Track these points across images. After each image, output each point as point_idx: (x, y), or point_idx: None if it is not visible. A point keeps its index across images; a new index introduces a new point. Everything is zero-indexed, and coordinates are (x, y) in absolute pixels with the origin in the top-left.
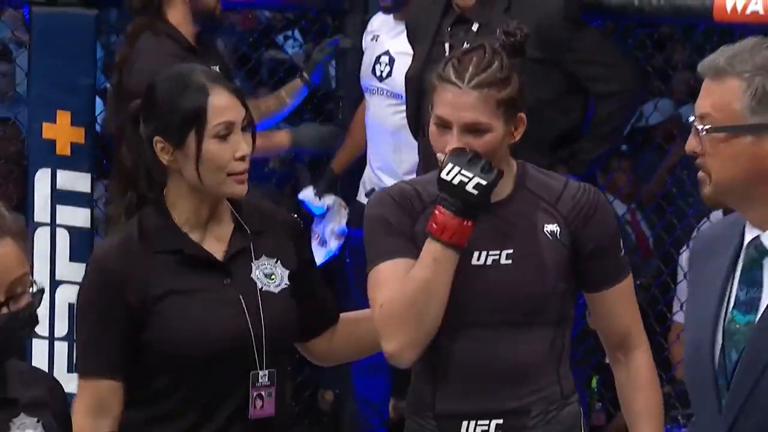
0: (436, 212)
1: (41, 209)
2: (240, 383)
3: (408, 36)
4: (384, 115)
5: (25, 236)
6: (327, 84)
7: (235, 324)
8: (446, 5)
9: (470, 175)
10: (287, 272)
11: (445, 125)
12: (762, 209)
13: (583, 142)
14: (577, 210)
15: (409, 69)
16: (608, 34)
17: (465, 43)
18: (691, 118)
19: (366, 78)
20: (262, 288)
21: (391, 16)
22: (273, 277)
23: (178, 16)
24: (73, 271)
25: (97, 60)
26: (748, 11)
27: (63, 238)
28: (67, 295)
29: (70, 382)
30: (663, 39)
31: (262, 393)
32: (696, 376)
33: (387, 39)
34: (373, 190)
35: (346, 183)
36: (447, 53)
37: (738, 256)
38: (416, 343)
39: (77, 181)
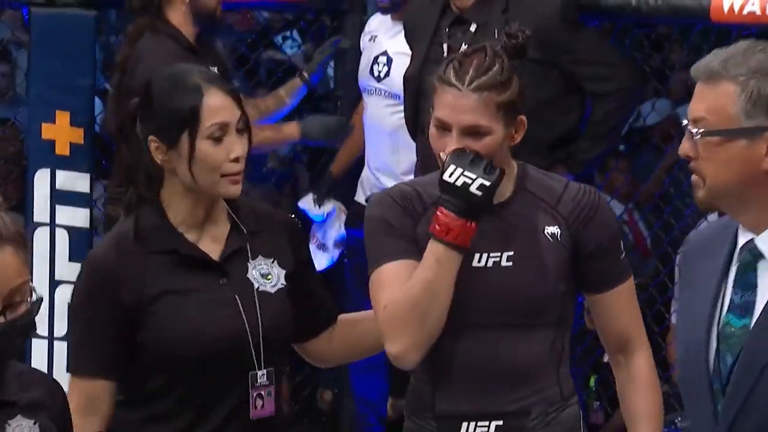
0: (439, 214)
1: (40, 209)
2: (236, 383)
3: (406, 36)
4: (382, 115)
5: (26, 243)
6: (325, 84)
7: (231, 324)
8: (444, 6)
9: (473, 176)
10: (284, 272)
11: (444, 127)
12: (756, 212)
13: (580, 142)
14: (578, 211)
15: (407, 69)
16: (605, 35)
17: (463, 44)
18: (684, 122)
19: (364, 78)
20: (258, 288)
21: (388, 17)
22: (269, 277)
23: (178, 17)
24: (72, 271)
25: (96, 60)
26: (745, 11)
27: (62, 238)
28: (66, 295)
29: None
30: (660, 39)
31: (262, 393)
32: (690, 379)
33: (385, 39)
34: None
35: (343, 183)
36: (445, 53)
37: (731, 260)
38: (420, 345)
39: (76, 181)
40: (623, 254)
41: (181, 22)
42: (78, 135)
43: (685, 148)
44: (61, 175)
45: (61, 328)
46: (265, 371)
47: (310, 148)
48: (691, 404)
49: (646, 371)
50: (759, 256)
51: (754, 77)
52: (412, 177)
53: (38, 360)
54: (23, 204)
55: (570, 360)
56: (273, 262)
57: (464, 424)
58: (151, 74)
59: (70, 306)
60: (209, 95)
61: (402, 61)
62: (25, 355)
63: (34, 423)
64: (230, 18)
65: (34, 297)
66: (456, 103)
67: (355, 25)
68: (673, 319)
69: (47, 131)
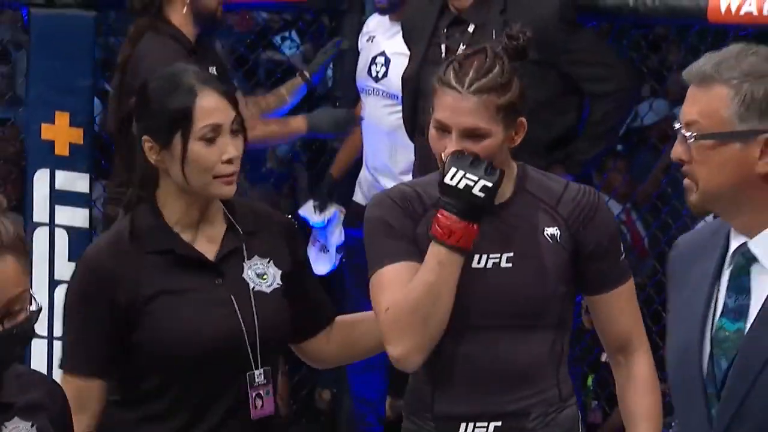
0: (440, 216)
1: (40, 209)
2: (232, 383)
3: (404, 37)
4: (380, 115)
5: (26, 249)
6: (324, 84)
7: (226, 324)
8: (442, 6)
9: (475, 178)
10: (280, 272)
11: (444, 129)
12: (749, 216)
13: (578, 143)
14: (578, 212)
15: (405, 70)
16: (603, 35)
17: (461, 44)
18: (677, 126)
19: (362, 79)
20: (254, 288)
21: (386, 17)
22: (265, 277)
23: (179, 18)
24: (71, 271)
25: (95, 61)
26: (742, 12)
27: (62, 238)
28: None
29: None
30: (658, 40)
31: (261, 392)
32: (683, 384)
33: (383, 40)
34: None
35: (342, 183)
36: (443, 54)
37: (722, 264)
38: (422, 347)
39: (76, 181)
40: (623, 255)
41: (181, 22)
42: (77, 135)
43: (677, 151)
44: (60, 175)
45: (60, 327)
46: (262, 370)
47: (309, 149)
48: (683, 408)
49: (646, 372)
50: (752, 259)
51: (747, 80)
52: (410, 177)
53: (38, 360)
54: (23, 204)
55: (568, 359)
56: (269, 262)
57: (463, 425)
58: (152, 74)
59: (64, 304)
60: (203, 96)
61: (400, 62)
62: (25, 354)
63: (32, 425)
64: (229, 19)
65: (34, 306)
66: (455, 106)
67: (353, 26)
68: None
69: (47, 132)
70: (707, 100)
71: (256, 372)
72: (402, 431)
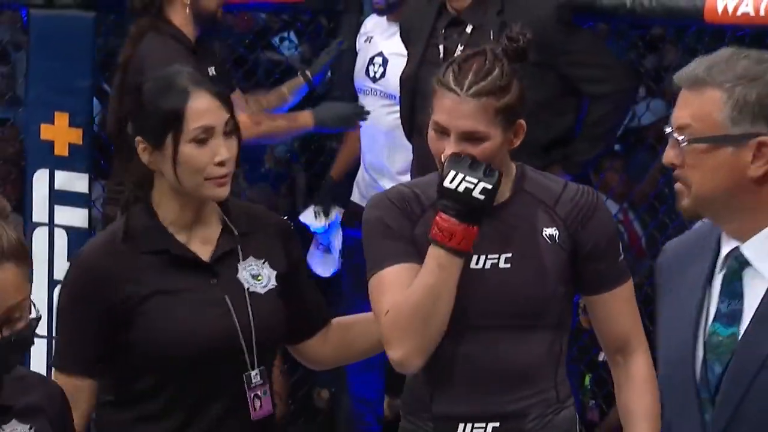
0: (439, 219)
1: (39, 209)
2: (227, 383)
3: (402, 37)
4: (378, 115)
5: (27, 255)
6: (322, 85)
7: (221, 324)
8: (440, 7)
9: (474, 180)
10: (275, 273)
11: (443, 131)
12: (741, 220)
13: (577, 144)
14: (576, 212)
15: (403, 70)
16: (601, 36)
17: (459, 45)
18: (668, 130)
19: (359, 79)
20: (248, 288)
21: (384, 18)
22: (260, 277)
23: (179, 18)
24: None
25: (95, 61)
26: (738, 12)
27: (61, 239)
28: None
29: None
30: (655, 40)
31: (258, 392)
32: (675, 388)
33: (381, 40)
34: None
35: (340, 184)
36: (441, 55)
37: (714, 269)
38: (423, 350)
39: (75, 181)
40: (621, 256)
41: (182, 23)
42: (77, 136)
43: (669, 156)
44: (59, 175)
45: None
46: (257, 370)
47: (307, 149)
48: (675, 413)
49: (644, 372)
50: (745, 263)
51: (739, 84)
52: (407, 177)
53: (37, 359)
54: (22, 204)
55: (566, 359)
56: (264, 263)
57: (461, 426)
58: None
59: (57, 303)
60: (195, 98)
61: (398, 62)
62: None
63: (30, 428)
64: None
65: (33, 313)
66: (454, 108)
67: (351, 26)
68: None
69: (46, 132)
70: (699, 104)
71: (252, 372)
72: (399, 431)
